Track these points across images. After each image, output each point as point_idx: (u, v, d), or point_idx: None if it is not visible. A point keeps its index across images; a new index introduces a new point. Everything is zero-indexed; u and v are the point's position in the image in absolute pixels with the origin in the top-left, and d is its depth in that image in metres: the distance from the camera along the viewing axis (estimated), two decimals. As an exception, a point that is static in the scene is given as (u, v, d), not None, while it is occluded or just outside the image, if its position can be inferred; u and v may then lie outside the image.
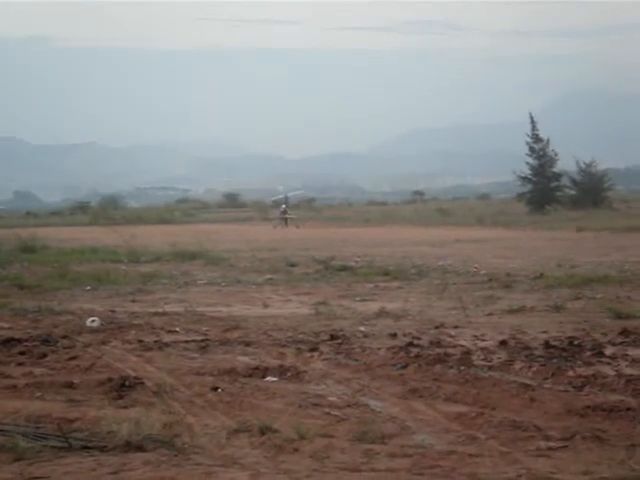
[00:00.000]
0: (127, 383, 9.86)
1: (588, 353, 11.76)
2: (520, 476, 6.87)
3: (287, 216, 59.69)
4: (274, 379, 10.32)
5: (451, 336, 13.43)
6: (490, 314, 15.94)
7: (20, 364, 11.34)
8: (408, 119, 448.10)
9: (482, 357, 11.61)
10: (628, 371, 10.64)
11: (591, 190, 69.65)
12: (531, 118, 70.34)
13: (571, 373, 10.43)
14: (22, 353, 12.03)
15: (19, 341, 12.89)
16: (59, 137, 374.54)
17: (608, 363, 11.17)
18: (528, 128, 71.10)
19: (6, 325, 14.98)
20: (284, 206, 62.36)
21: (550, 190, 70.04)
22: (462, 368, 10.75)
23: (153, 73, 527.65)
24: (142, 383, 9.90)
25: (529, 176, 70.34)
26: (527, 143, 70.72)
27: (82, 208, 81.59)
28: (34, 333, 13.77)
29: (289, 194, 74.53)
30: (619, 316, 14.98)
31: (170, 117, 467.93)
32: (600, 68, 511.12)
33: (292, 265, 25.99)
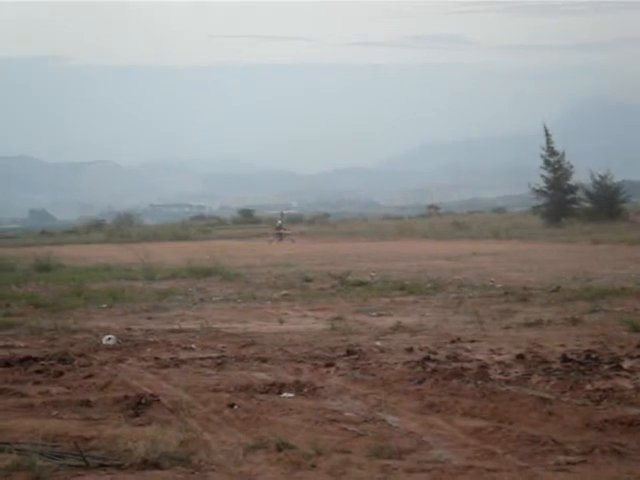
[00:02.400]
0: (143, 401, 9.86)
1: (606, 366, 11.69)
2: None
3: (282, 231, 61.36)
4: (290, 395, 10.30)
5: (468, 350, 13.39)
6: (507, 328, 15.89)
7: (37, 383, 11.35)
8: (419, 133, 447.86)
9: (499, 371, 11.57)
10: (646, 384, 10.58)
11: (607, 202, 69.33)
12: (545, 131, 70.06)
13: (589, 387, 10.38)
14: (39, 372, 12.05)
15: (35, 360, 12.91)
16: (73, 155, 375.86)
17: (626, 376, 11.10)
18: (538, 140, 70.89)
19: (22, 344, 15.02)
20: (279, 222, 64.30)
21: (565, 203, 69.81)
22: (479, 382, 10.70)
23: (165, 90, 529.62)
24: (158, 401, 9.90)
25: (544, 189, 70.17)
26: (542, 156, 70.50)
27: (97, 226, 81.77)
28: (50, 352, 13.80)
29: (284, 211, 77.20)
30: (637, 329, 14.88)
31: (182, 134, 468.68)
32: (611, 79, 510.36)
33: (307, 280, 25.95)
